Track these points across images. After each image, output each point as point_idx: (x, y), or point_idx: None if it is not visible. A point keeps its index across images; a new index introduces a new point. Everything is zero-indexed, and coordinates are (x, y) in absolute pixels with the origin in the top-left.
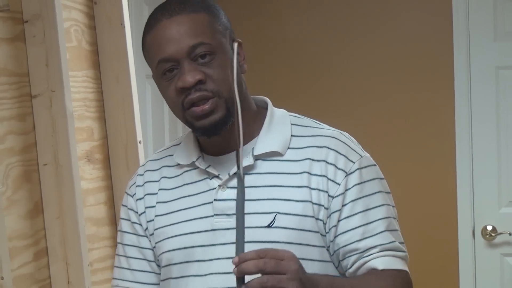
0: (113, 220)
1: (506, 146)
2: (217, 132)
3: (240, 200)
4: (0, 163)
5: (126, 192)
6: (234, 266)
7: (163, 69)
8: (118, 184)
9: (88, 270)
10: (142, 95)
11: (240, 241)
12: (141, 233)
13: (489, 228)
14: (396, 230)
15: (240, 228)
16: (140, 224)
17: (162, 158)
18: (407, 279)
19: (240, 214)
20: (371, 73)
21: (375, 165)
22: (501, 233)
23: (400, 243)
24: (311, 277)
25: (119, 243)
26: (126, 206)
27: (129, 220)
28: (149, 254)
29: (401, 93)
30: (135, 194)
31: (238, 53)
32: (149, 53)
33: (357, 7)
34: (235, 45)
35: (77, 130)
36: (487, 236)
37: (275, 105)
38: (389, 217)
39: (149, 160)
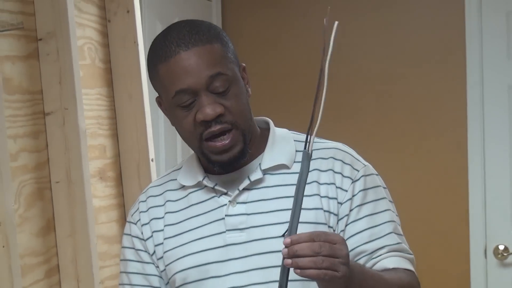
0: None
1: None
2: (234, 166)
3: (303, 182)
4: (13, 181)
5: (128, 221)
6: (282, 247)
7: (181, 102)
8: (130, 202)
9: None
10: (155, 113)
11: (294, 223)
12: (147, 260)
13: (501, 247)
14: (401, 235)
15: (296, 209)
16: (146, 251)
17: (164, 183)
18: (417, 279)
19: (299, 195)
20: (382, 94)
21: (377, 174)
22: None
23: (405, 245)
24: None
25: (122, 272)
26: (130, 234)
27: (133, 248)
28: (155, 281)
29: (414, 112)
30: (139, 220)
31: (243, 78)
32: (163, 82)
33: (368, 22)
34: (335, 24)
35: (90, 147)
36: (499, 255)
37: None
38: (394, 221)
39: (151, 187)
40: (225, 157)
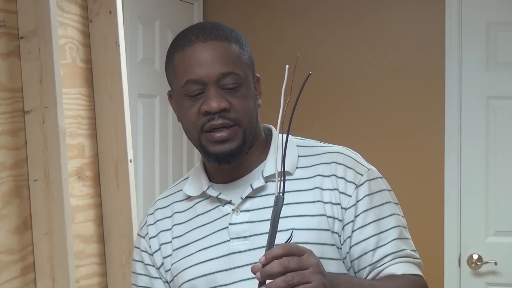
0: (101, 238)
1: (494, 176)
2: (228, 161)
3: (278, 208)
4: None
5: (138, 234)
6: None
7: (189, 92)
8: (108, 201)
9: (75, 286)
10: (134, 114)
11: (270, 246)
12: (154, 275)
13: (475, 257)
14: (407, 238)
15: (272, 234)
16: (153, 266)
17: (171, 194)
18: (425, 283)
19: (274, 221)
20: (358, 102)
21: (381, 177)
22: (487, 262)
23: (412, 250)
24: (330, 272)
25: (133, 284)
26: (139, 248)
27: (142, 262)
28: None
29: (391, 121)
30: (147, 234)
31: (255, 88)
32: (176, 71)
33: (350, 31)
34: (286, 68)
35: (69, 147)
36: (473, 265)
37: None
38: (399, 226)
39: (159, 199)
40: (220, 149)
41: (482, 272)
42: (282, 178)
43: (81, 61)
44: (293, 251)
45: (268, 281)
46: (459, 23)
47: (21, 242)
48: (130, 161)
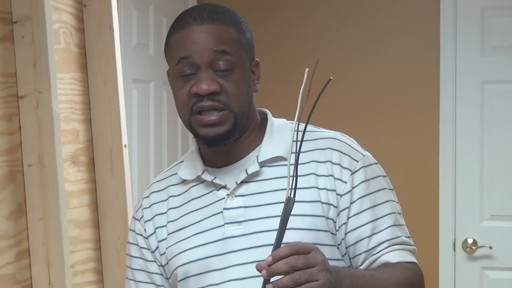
0: (96, 223)
1: (489, 160)
2: (217, 144)
3: (288, 210)
4: None
5: (133, 217)
6: (255, 269)
7: (182, 71)
8: (102, 187)
9: (70, 272)
10: (128, 99)
11: (277, 245)
12: (149, 258)
13: (470, 241)
14: (402, 225)
15: (281, 235)
16: (148, 249)
17: (167, 177)
18: (420, 271)
19: (283, 222)
20: (356, 84)
21: (377, 163)
22: (481, 246)
23: (406, 237)
24: (334, 266)
25: (128, 267)
26: (134, 231)
27: (137, 245)
28: (158, 279)
29: (386, 106)
30: (142, 217)
31: (253, 72)
32: (172, 51)
33: (344, 22)
34: (306, 71)
35: (63, 132)
36: (468, 249)
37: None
38: (394, 212)
39: (154, 182)
40: (209, 132)
41: (477, 256)
42: (295, 180)
43: (75, 46)
44: (300, 251)
45: (273, 279)
46: (454, 7)
47: (16, 228)
48: (125, 146)
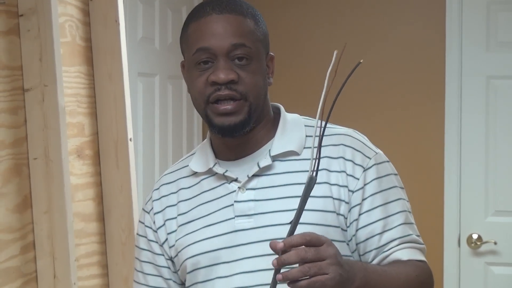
0: (101, 217)
1: (494, 156)
2: (232, 134)
3: (310, 188)
4: None
5: (143, 209)
6: (268, 261)
7: (199, 59)
8: (107, 180)
9: (75, 265)
10: (134, 92)
11: (292, 231)
12: (157, 251)
13: (475, 236)
14: (412, 223)
15: (296, 217)
16: (156, 242)
17: (177, 170)
18: (429, 269)
19: (302, 203)
20: (361, 78)
21: (388, 161)
22: (486, 242)
23: (416, 236)
24: (347, 260)
25: (136, 258)
26: (144, 223)
27: (146, 237)
28: (165, 272)
29: (391, 101)
30: (152, 209)
31: (268, 66)
32: (189, 40)
33: (352, 19)
34: (335, 53)
35: (68, 125)
36: (473, 244)
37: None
38: (405, 210)
39: (165, 174)
40: (224, 121)
41: (482, 252)
42: (317, 160)
43: (80, 39)
44: (312, 241)
45: (283, 270)
46: (459, 3)
47: (21, 221)
48: (130, 139)
